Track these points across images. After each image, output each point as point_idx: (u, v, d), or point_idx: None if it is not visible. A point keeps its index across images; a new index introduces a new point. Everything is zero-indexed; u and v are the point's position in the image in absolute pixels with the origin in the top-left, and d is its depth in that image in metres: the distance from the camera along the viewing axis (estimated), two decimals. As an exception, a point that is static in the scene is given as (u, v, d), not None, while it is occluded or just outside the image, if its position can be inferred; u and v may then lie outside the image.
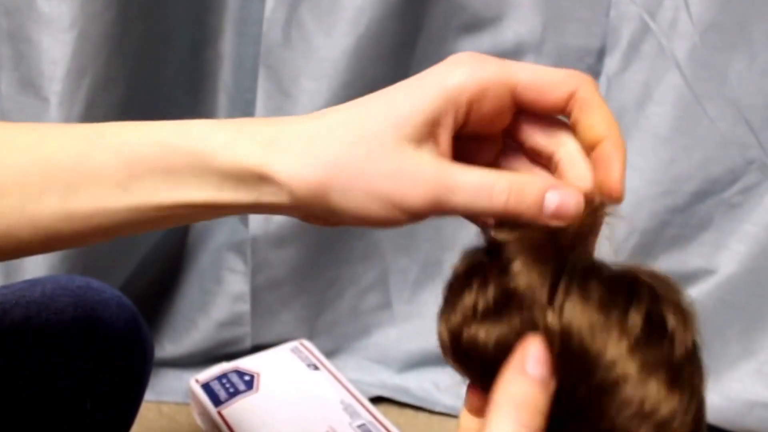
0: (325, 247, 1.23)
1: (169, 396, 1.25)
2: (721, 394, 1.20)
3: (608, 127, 0.42)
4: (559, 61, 1.12)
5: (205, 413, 1.12)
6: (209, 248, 1.29)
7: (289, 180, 0.42)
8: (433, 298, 1.30)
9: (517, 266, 0.39)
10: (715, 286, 1.17)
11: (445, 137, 0.43)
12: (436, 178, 0.41)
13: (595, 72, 1.13)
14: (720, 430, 1.22)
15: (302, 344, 1.24)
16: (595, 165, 0.43)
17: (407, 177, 0.41)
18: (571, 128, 0.44)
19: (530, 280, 0.38)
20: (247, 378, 1.15)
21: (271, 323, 1.27)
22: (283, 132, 0.43)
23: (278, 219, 1.18)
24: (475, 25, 1.12)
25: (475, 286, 0.40)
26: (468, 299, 0.40)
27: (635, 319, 0.37)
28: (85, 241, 0.45)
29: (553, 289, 0.38)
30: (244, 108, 1.16)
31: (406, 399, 1.29)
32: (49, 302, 0.72)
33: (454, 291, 0.41)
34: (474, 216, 0.43)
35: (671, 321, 0.37)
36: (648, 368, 0.36)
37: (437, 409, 1.29)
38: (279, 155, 0.42)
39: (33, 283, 0.74)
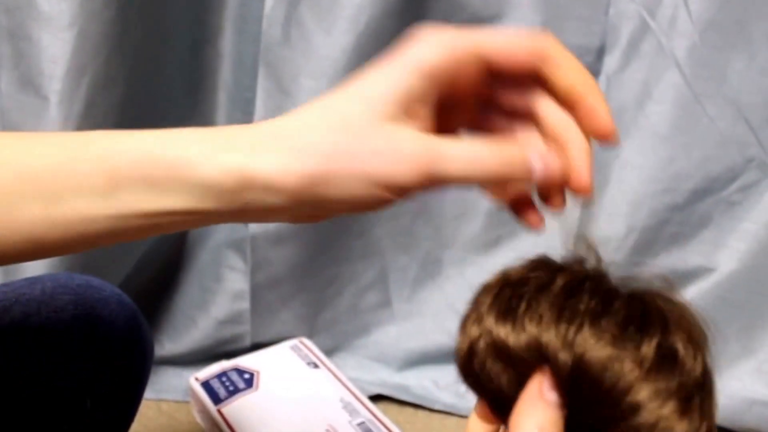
0: (324, 245, 1.23)
1: (169, 394, 1.25)
2: (720, 392, 1.19)
3: (578, 75, 0.44)
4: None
5: (204, 411, 1.12)
6: (209, 246, 1.29)
7: (275, 177, 0.41)
8: (432, 297, 1.31)
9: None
10: (714, 284, 1.18)
11: (426, 113, 0.43)
12: (423, 151, 0.42)
13: (594, 70, 1.13)
14: (719, 428, 1.22)
15: (302, 342, 1.24)
16: (577, 113, 0.44)
17: (393, 154, 0.41)
18: (542, 84, 0.45)
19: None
20: (246, 376, 1.15)
21: (270, 321, 1.27)
22: (262, 134, 0.43)
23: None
24: (474, 23, 1.12)
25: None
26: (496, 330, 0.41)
27: (647, 351, 0.38)
28: (68, 248, 0.45)
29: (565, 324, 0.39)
30: (244, 106, 1.16)
31: (406, 397, 1.29)
32: (49, 300, 0.72)
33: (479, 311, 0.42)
34: (465, 184, 0.44)
35: (681, 350, 0.38)
36: (660, 395, 0.37)
37: (437, 407, 1.29)
38: (262, 156, 0.42)
39: (33, 281, 0.74)
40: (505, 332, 0.40)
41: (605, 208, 1.16)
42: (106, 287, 0.77)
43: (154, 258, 1.25)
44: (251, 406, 1.10)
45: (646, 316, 0.39)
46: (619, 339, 0.38)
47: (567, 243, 0.45)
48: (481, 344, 0.40)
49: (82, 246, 0.45)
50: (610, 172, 1.15)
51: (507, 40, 0.44)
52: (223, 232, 1.27)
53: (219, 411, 1.09)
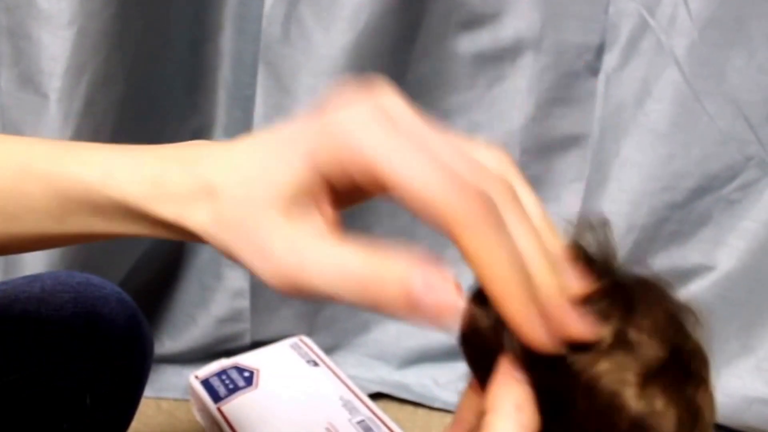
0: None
1: (169, 392, 1.25)
2: (719, 391, 1.20)
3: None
4: (559, 58, 1.13)
5: (204, 409, 1.12)
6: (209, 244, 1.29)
7: (203, 232, 0.40)
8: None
9: None
10: (713, 283, 1.18)
11: (325, 194, 0.38)
12: (291, 259, 0.37)
13: (594, 68, 1.13)
14: (719, 427, 1.23)
15: (302, 340, 1.24)
16: None
17: (264, 257, 0.38)
18: None
19: None
20: (246, 374, 1.15)
21: (270, 319, 1.27)
22: (195, 182, 0.41)
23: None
24: (474, 21, 1.12)
25: None
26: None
27: (604, 333, 0.37)
28: (33, 249, 0.47)
29: None
30: (244, 105, 1.17)
31: (406, 395, 1.29)
32: (48, 298, 0.72)
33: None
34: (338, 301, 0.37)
35: (637, 337, 0.38)
36: (618, 369, 0.37)
37: (436, 405, 1.29)
38: (192, 211, 0.40)
39: (32, 279, 0.74)
40: (479, 314, 0.40)
41: (604, 207, 1.16)
42: (106, 285, 0.77)
43: (154, 256, 1.25)
44: (251, 405, 1.10)
45: (614, 300, 0.39)
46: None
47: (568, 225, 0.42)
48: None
49: (43, 247, 0.46)
50: (610, 171, 1.15)
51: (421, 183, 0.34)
52: (222, 230, 1.27)
53: (219, 409, 1.09)
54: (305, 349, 1.22)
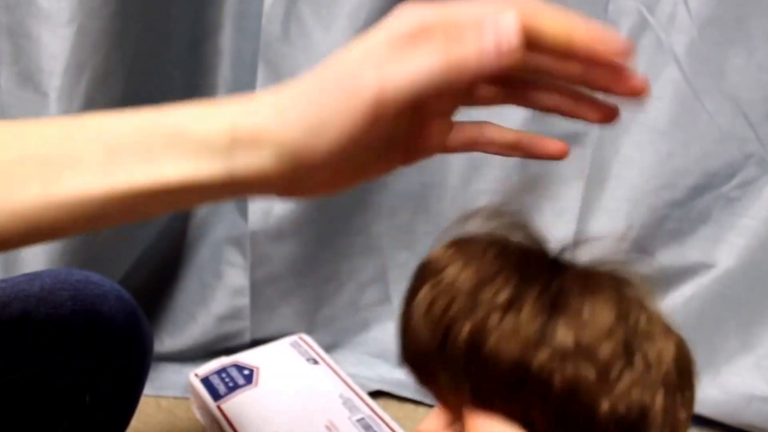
0: (324, 241, 1.23)
1: (169, 390, 1.25)
2: (719, 388, 1.21)
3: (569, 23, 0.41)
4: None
5: (204, 407, 1.12)
6: (209, 242, 1.29)
7: (262, 127, 0.42)
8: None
9: None
10: (713, 280, 1.18)
11: None
12: (373, 56, 0.41)
13: (593, 66, 1.13)
14: (719, 424, 1.23)
15: (301, 338, 1.24)
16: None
17: (351, 67, 0.41)
18: None
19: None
20: (246, 372, 1.15)
21: (270, 317, 1.27)
22: (254, 97, 0.44)
23: (278, 213, 1.18)
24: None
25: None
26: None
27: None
28: (64, 231, 0.45)
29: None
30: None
31: (406, 393, 1.29)
32: (48, 296, 0.72)
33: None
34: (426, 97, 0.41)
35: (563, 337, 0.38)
36: (558, 355, 0.37)
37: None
38: (251, 113, 0.43)
39: (32, 277, 0.74)
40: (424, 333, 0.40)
41: (604, 205, 1.16)
42: (106, 283, 0.77)
43: (154, 254, 1.25)
44: (251, 402, 1.10)
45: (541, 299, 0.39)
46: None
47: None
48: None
49: (78, 227, 0.45)
50: (610, 169, 1.15)
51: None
52: (222, 228, 1.28)
53: (219, 407, 1.09)
54: (305, 347, 1.22)
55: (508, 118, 1.18)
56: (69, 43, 0.99)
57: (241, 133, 0.42)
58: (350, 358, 1.32)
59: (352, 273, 1.29)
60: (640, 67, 1.10)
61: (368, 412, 1.09)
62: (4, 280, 0.73)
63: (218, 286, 1.27)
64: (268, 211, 1.18)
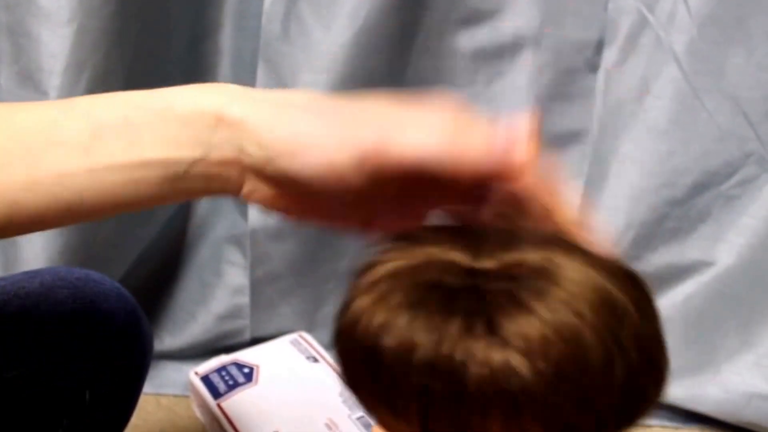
0: (324, 239, 1.23)
1: (169, 388, 1.25)
2: (719, 387, 1.21)
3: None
4: (558, 54, 1.13)
5: (204, 406, 1.12)
6: (209, 241, 1.29)
7: (258, 127, 0.42)
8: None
9: None
10: (713, 279, 1.18)
11: None
12: (385, 114, 0.41)
13: (593, 65, 1.13)
14: (719, 423, 1.23)
15: (301, 337, 1.24)
16: None
17: (360, 115, 0.42)
18: None
19: None
20: (246, 370, 1.15)
21: (270, 316, 1.27)
22: (261, 93, 0.44)
23: (277, 212, 1.18)
24: (473, 18, 1.12)
25: None
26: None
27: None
28: (43, 218, 0.44)
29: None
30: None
31: (406, 391, 1.29)
32: (48, 294, 0.72)
33: None
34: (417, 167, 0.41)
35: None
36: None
37: (436, 401, 1.29)
38: (253, 106, 0.43)
39: (32, 274, 0.74)
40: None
41: (604, 203, 1.16)
42: (106, 281, 0.77)
43: (154, 253, 1.25)
44: (251, 401, 1.10)
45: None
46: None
47: None
48: None
49: (53, 214, 0.44)
50: (609, 167, 1.15)
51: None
52: (222, 227, 1.28)
53: (219, 405, 1.09)
54: (305, 345, 1.22)
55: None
56: (69, 42, 0.99)
57: (229, 117, 0.42)
58: (350, 356, 1.32)
59: (351, 272, 1.28)
60: (639, 66, 1.10)
61: (368, 410, 1.09)
62: (3, 278, 0.73)
63: (218, 285, 1.27)
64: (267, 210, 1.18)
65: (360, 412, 1.08)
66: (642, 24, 1.09)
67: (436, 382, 0.34)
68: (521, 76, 1.15)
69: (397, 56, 1.12)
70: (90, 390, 0.74)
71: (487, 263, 0.38)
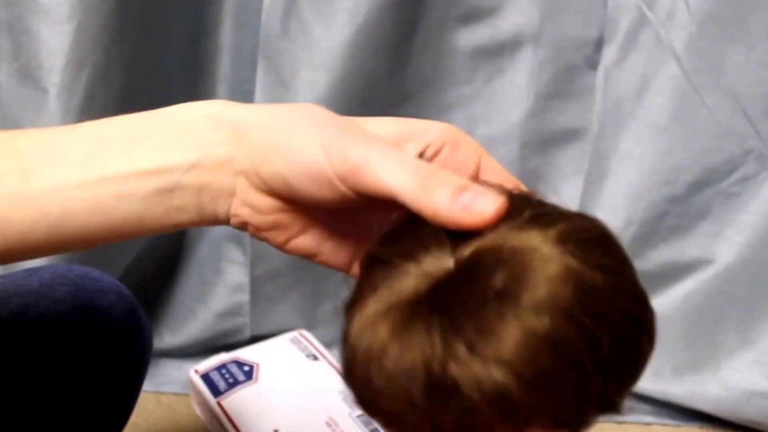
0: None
1: (168, 386, 1.25)
2: (719, 384, 1.21)
3: None
4: (558, 52, 1.13)
5: (204, 404, 1.12)
6: (208, 239, 1.29)
7: (247, 119, 0.43)
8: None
9: None
10: (713, 276, 1.18)
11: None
12: (371, 141, 0.41)
13: (593, 62, 1.13)
14: (718, 420, 1.23)
15: (301, 334, 1.24)
16: None
17: (352, 134, 0.42)
18: None
19: None
20: (246, 368, 1.15)
21: (270, 314, 1.27)
22: (260, 105, 0.45)
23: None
24: (473, 15, 1.12)
25: None
26: None
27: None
28: (30, 235, 0.43)
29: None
30: (243, 99, 1.16)
31: (405, 389, 1.29)
32: (47, 291, 0.72)
33: None
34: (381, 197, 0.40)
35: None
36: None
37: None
38: (239, 108, 0.44)
39: (31, 272, 0.74)
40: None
41: (604, 201, 1.16)
42: (105, 279, 0.77)
43: (154, 251, 1.25)
44: (251, 399, 1.10)
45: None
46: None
47: None
48: None
49: (41, 231, 0.43)
50: (609, 165, 1.15)
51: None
52: (222, 225, 1.28)
53: (219, 403, 1.09)
54: (305, 343, 1.22)
55: (508, 114, 1.19)
56: (69, 39, 0.99)
57: (230, 118, 0.43)
58: (350, 354, 1.32)
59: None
60: (639, 63, 1.10)
61: (368, 408, 1.09)
62: (2, 276, 0.73)
63: (218, 283, 1.27)
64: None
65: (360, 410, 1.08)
66: (641, 21, 1.09)
67: (438, 414, 0.35)
68: (521, 73, 1.15)
69: (397, 54, 1.12)
70: (90, 389, 0.74)
71: (466, 252, 0.38)
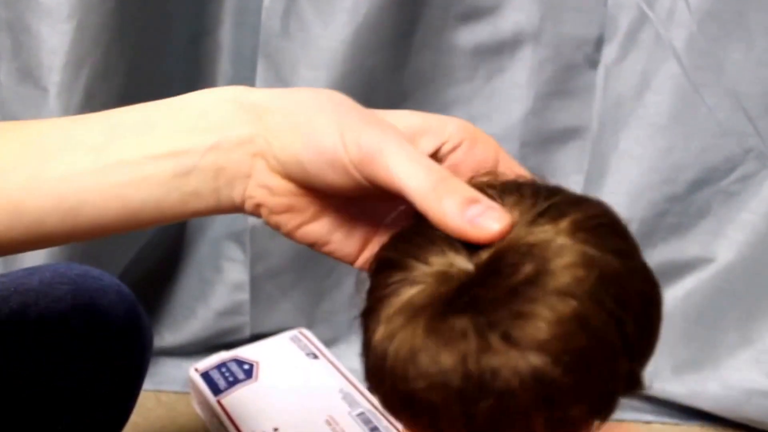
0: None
1: (168, 385, 1.25)
2: (719, 383, 1.21)
3: None
4: (558, 50, 1.13)
5: (204, 402, 1.12)
6: (208, 237, 1.29)
7: (265, 99, 0.44)
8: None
9: None
10: (713, 275, 1.18)
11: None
12: (387, 131, 0.41)
13: (593, 61, 1.13)
14: (718, 419, 1.23)
15: (301, 333, 1.24)
16: None
17: (370, 122, 0.42)
18: None
19: None
20: (246, 367, 1.15)
21: (270, 312, 1.27)
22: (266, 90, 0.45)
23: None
24: (473, 14, 1.12)
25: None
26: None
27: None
28: (45, 222, 0.43)
29: None
30: (243, 98, 1.16)
31: (406, 388, 1.29)
32: (47, 290, 0.72)
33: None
34: (392, 191, 0.41)
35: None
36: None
37: (436, 397, 1.29)
38: (257, 92, 0.45)
39: (31, 271, 0.74)
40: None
41: (604, 199, 1.15)
42: (105, 277, 0.77)
43: (154, 249, 1.25)
44: (251, 397, 1.10)
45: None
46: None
47: None
48: None
49: (56, 218, 0.43)
50: (609, 163, 1.15)
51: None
52: (222, 223, 1.28)
53: (219, 402, 1.09)
54: (305, 341, 1.22)
55: (508, 113, 1.19)
56: (69, 38, 0.99)
57: (248, 102, 0.43)
58: (350, 352, 1.32)
59: (351, 268, 1.28)
60: (639, 62, 1.10)
61: (368, 406, 1.09)
62: (3, 275, 0.73)
63: (218, 281, 1.27)
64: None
65: (360, 409, 1.08)
66: (642, 20, 1.09)
67: (475, 405, 0.35)
68: (521, 72, 1.15)
69: (397, 52, 1.12)
70: (90, 389, 0.74)
71: (483, 255, 0.39)
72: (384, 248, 0.42)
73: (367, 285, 0.42)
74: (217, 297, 1.27)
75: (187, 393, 1.22)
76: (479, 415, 0.35)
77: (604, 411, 0.37)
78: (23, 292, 0.71)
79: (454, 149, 0.44)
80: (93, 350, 0.74)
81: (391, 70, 1.13)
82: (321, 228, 0.46)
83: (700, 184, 1.14)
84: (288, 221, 0.46)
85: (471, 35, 1.14)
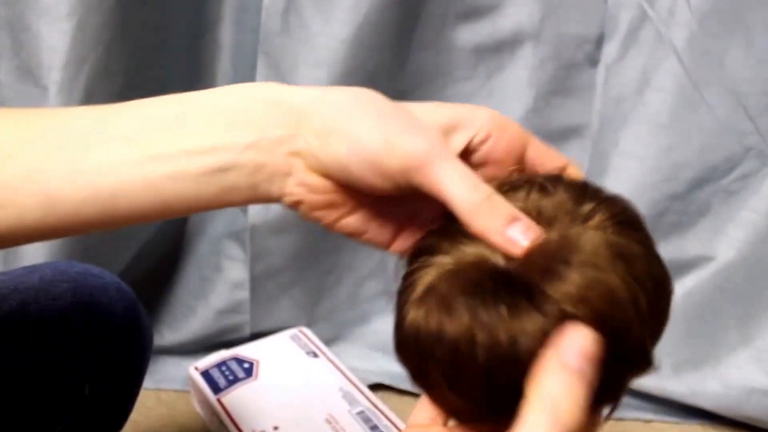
0: (324, 234, 1.22)
1: (168, 384, 1.25)
2: (719, 381, 1.21)
3: None
4: (558, 49, 1.12)
5: (204, 401, 1.12)
6: (208, 236, 1.29)
7: (299, 97, 0.44)
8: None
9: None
10: (713, 273, 1.18)
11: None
12: (434, 139, 0.42)
13: (593, 59, 1.13)
14: (719, 417, 1.23)
15: (301, 332, 1.24)
16: None
17: (414, 127, 0.43)
18: None
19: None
20: (246, 365, 1.15)
21: (270, 311, 1.27)
22: (309, 87, 0.46)
23: (277, 207, 1.18)
24: (473, 13, 1.12)
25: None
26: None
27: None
28: (80, 213, 0.43)
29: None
30: (243, 96, 1.16)
31: (405, 386, 1.29)
32: (47, 288, 0.72)
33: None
34: (438, 198, 0.42)
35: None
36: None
37: (436, 396, 1.29)
38: (292, 89, 0.45)
39: (31, 269, 0.74)
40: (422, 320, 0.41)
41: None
42: (105, 275, 0.77)
43: (154, 248, 1.25)
44: (251, 396, 1.10)
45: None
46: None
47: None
48: None
49: (91, 209, 0.43)
50: (609, 162, 1.15)
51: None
52: (222, 222, 1.28)
53: (219, 400, 1.09)
54: (305, 340, 1.22)
55: (508, 111, 1.19)
56: (68, 36, 0.99)
57: (288, 102, 0.44)
58: (350, 351, 1.32)
59: (351, 266, 1.29)
60: (640, 60, 1.10)
61: (368, 404, 1.09)
62: (3, 273, 0.73)
63: (218, 280, 1.27)
64: (268, 205, 1.18)
65: (360, 407, 1.08)
66: (642, 18, 1.08)
67: (499, 365, 0.38)
68: (521, 70, 1.15)
69: (396, 51, 1.12)
70: (90, 389, 0.74)
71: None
72: (420, 239, 0.45)
73: (402, 271, 0.44)
74: (217, 295, 1.27)
75: (187, 391, 1.22)
76: (499, 376, 0.38)
77: (613, 398, 0.40)
78: (23, 290, 0.71)
79: (484, 141, 0.45)
80: (93, 349, 0.74)
81: (392, 68, 1.13)
82: (358, 220, 0.47)
83: (700, 182, 1.14)
84: (327, 215, 0.47)
85: (471, 34, 1.14)
